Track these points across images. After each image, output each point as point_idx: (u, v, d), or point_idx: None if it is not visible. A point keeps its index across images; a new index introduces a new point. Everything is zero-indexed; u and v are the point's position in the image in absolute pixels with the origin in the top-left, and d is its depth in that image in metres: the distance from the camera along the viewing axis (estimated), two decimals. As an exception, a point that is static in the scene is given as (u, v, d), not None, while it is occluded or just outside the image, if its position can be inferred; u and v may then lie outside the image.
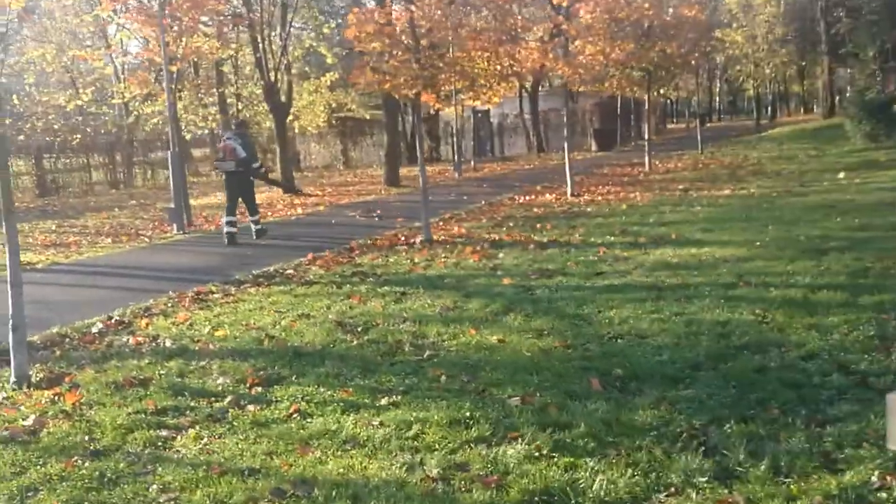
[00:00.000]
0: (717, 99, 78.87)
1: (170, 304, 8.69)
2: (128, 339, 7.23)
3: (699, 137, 29.86)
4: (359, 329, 7.03)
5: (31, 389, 5.85)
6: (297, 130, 32.98)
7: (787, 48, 48.36)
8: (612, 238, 11.15)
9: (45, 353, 6.87)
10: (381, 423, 4.79)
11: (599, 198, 16.55)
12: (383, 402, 5.17)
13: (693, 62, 22.52)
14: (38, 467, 4.46)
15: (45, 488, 4.21)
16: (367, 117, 32.88)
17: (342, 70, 31.30)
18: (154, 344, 7.07)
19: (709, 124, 70.44)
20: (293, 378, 5.78)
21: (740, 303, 7.02)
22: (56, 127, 26.47)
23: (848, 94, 26.84)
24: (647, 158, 23.47)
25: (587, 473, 4.00)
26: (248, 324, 7.53)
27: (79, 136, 26.78)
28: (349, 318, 7.43)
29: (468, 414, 4.84)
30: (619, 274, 8.74)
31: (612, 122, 40.57)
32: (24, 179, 28.19)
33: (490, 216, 14.80)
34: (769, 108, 61.05)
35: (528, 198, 17.71)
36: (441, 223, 13.93)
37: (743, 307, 6.86)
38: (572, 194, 17.25)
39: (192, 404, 5.35)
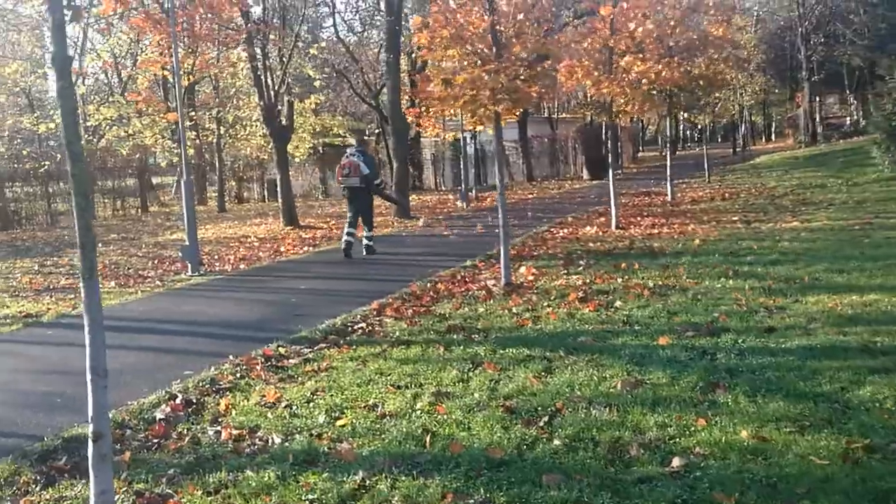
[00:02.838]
0: (681, 126, 78.27)
1: (238, 374, 6.82)
2: (217, 433, 5.36)
3: (706, 164, 28.65)
4: (541, 420, 5.23)
5: (127, 532, 3.96)
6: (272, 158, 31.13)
7: (762, 77, 47.87)
8: (731, 282, 9.49)
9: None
10: None
11: (654, 231, 14.93)
12: (705, 562, 3.40)
13: (718, 84, 21.16)
14: None
15: None
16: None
17: (326, 93, 29.57)
18: (257, 440, 5.21)
19: (678, 152, 70.18)
20: (518, 511, 3.98)
21: None
22: (25, 153, 24.00)
23: (871, 119, 25.69)
24: (668, 187, 22.06)
25: None
26: (369, 406, 5.71)
27: (48, 162, 24.27)
28: (510, 401, 5.63)
29: None
30: (800, 331, 7.08)
31: (599, 150, 39.29)
32: (-16, 210, 25.78)
33: (546, 252, 13.10)
34: (740, 137, 60.25)
35: (567, 231, 16.07)
36: (494, 261, 12.15)
37: None
38: (618, 226, 15.67)
39: (399, 565, 3.53)
